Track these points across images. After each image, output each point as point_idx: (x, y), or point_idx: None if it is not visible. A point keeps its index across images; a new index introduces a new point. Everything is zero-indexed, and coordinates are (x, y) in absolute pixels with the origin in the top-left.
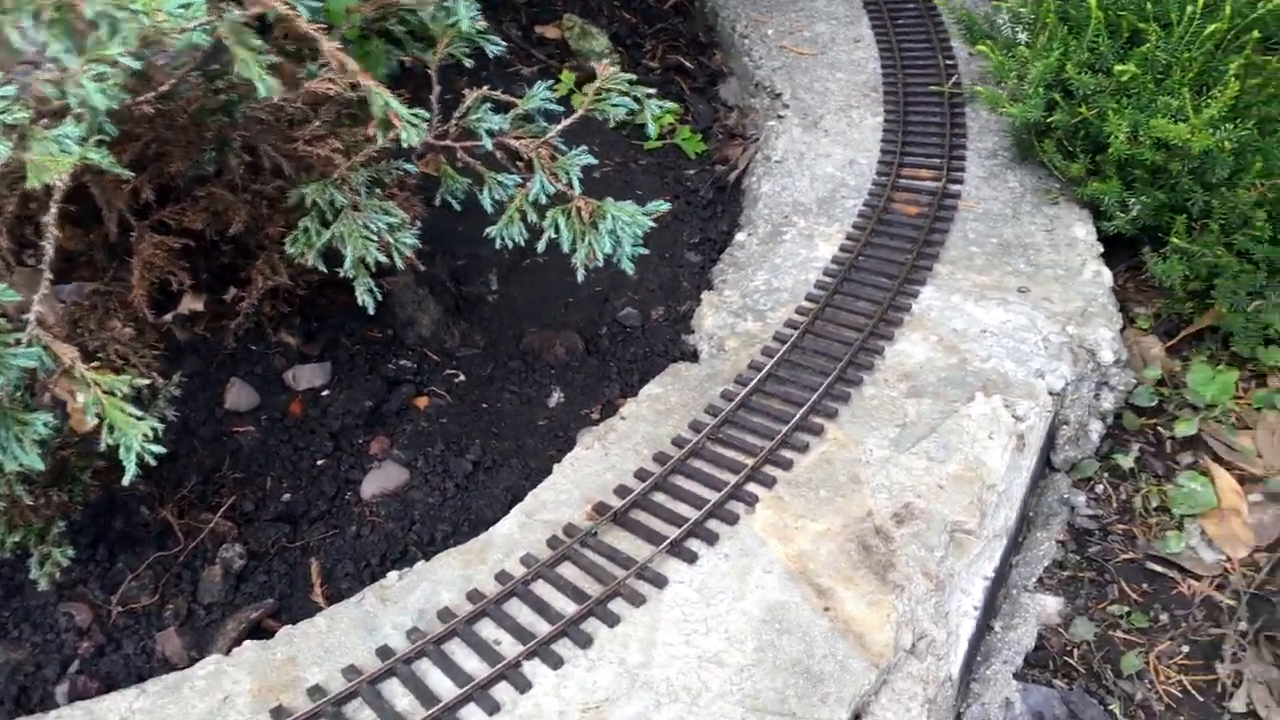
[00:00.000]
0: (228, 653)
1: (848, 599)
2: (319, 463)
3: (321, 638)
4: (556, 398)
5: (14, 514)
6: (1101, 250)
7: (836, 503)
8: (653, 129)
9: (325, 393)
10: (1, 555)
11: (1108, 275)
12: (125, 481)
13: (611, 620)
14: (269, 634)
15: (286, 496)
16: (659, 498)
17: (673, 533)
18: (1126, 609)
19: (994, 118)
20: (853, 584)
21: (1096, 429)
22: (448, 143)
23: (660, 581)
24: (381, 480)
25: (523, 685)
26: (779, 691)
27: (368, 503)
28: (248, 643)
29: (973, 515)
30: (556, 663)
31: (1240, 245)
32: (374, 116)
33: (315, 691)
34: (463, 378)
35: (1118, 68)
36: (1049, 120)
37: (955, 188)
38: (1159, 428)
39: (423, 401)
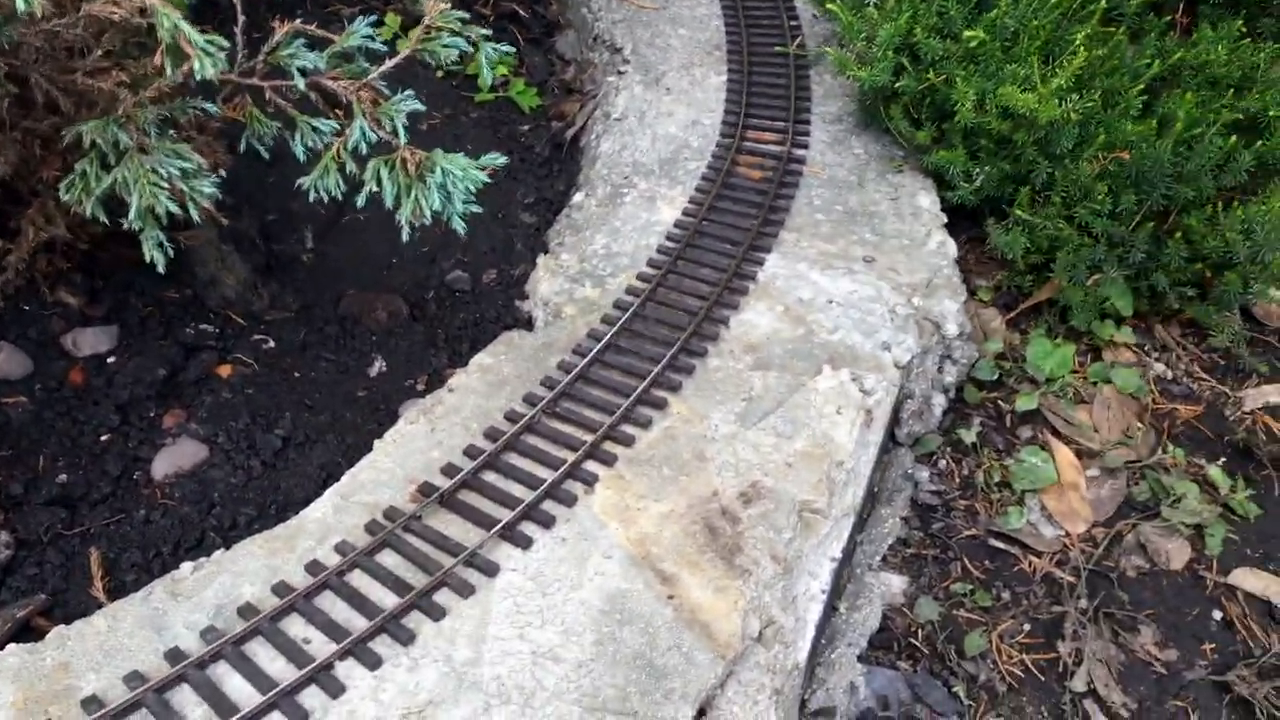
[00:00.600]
0: None
1: (693, 585)
2: (103, 438)
3: (100, 639)
4: (378, 367)
5: None
6: (945, 221)
7: (681, 481)
8: (487, 75)
9: (111, 359)
10: None
11: (952, 246)
12: None
13: (437, 614)
14: (39, 635)
15: (63, 477)
16: (490, 477)
17: (505, 516)
18: (970, 587)
19: (839, 82)
20: (698, 569)
21: (940, 403)
22: (254, 81)
23: (491, 569)
24: (176, 458)
25: (335, 690)
26: (620, 689)
27: (159, 484)
28: (12, 646)
29: (821, 494)
30: (374, 663)
31: (1081, 218)
32: (161, 41)
33: (91, 703)
34: (273, 344)
35: (966, 33)
36: (896, 85)
37: (800, 152)
38: (999, 401)
39: (226, 370)
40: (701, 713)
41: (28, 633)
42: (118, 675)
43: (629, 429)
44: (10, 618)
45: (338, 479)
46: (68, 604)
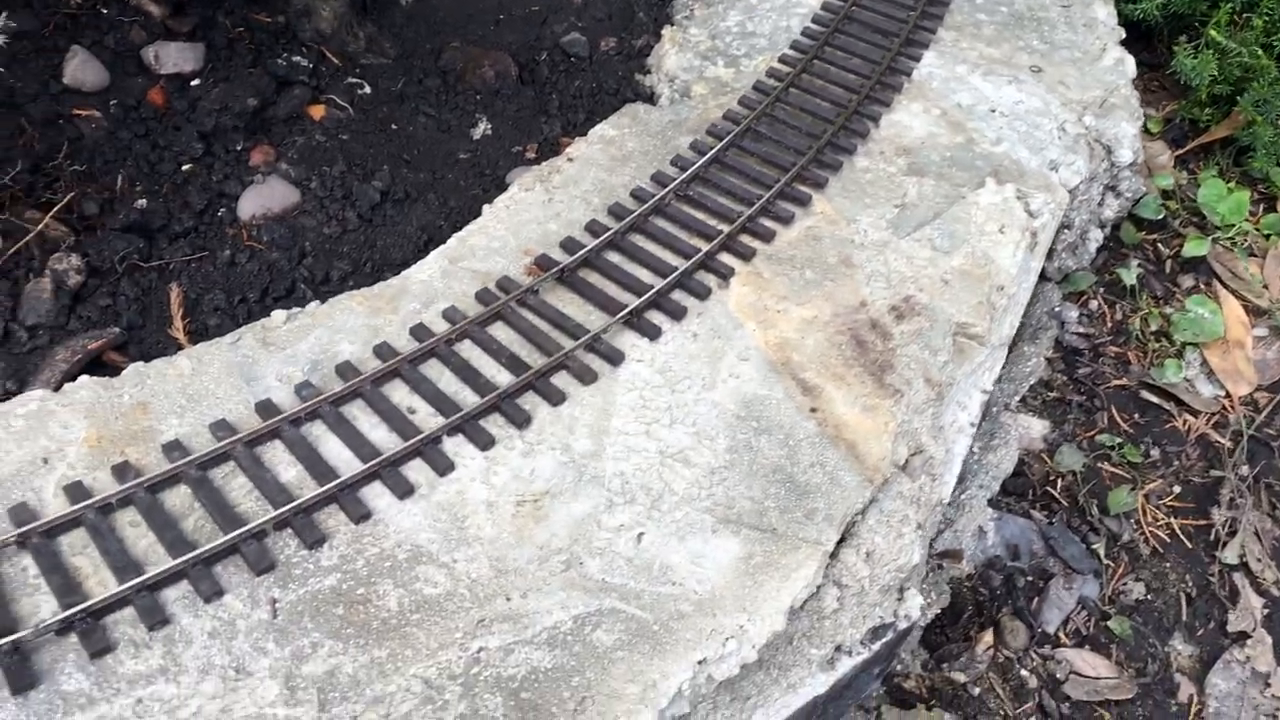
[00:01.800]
0: (57, 388)
1: (838, 400)
2: (184, 167)
3: (184, 382)
4: (483, 129)
5: None
6: (1123, 36)
7: (825, 287)
8: None
9: (196, 82)
10: None
11: (1131, 64)
12: None
13: (555, 398)
14: (113, 371)
15: (142, 203)
16: (614, 258)
17: (631, 301)
18: (1117, 440)
19: None
20: (844, 383)
21: (1095, 238)
22: None
23: (615, 357)
24: (264, 199)
25: (443, 466)
26: (756, 502)
27: (245, 224)
28: (84, 378)
29: (981, 318)
30: (486, 443)
31: None
32: None
33: (173, 449)
34: (368, 90)
35: None
36: None
37: None
38: (1160, 244)
39: (318, 111)
40: (841, 540)
41: (99, 368)
42: (202, 422)
43: (768, 223)
44: (80, 349)
45: (439, 242)
46: (142, 341)
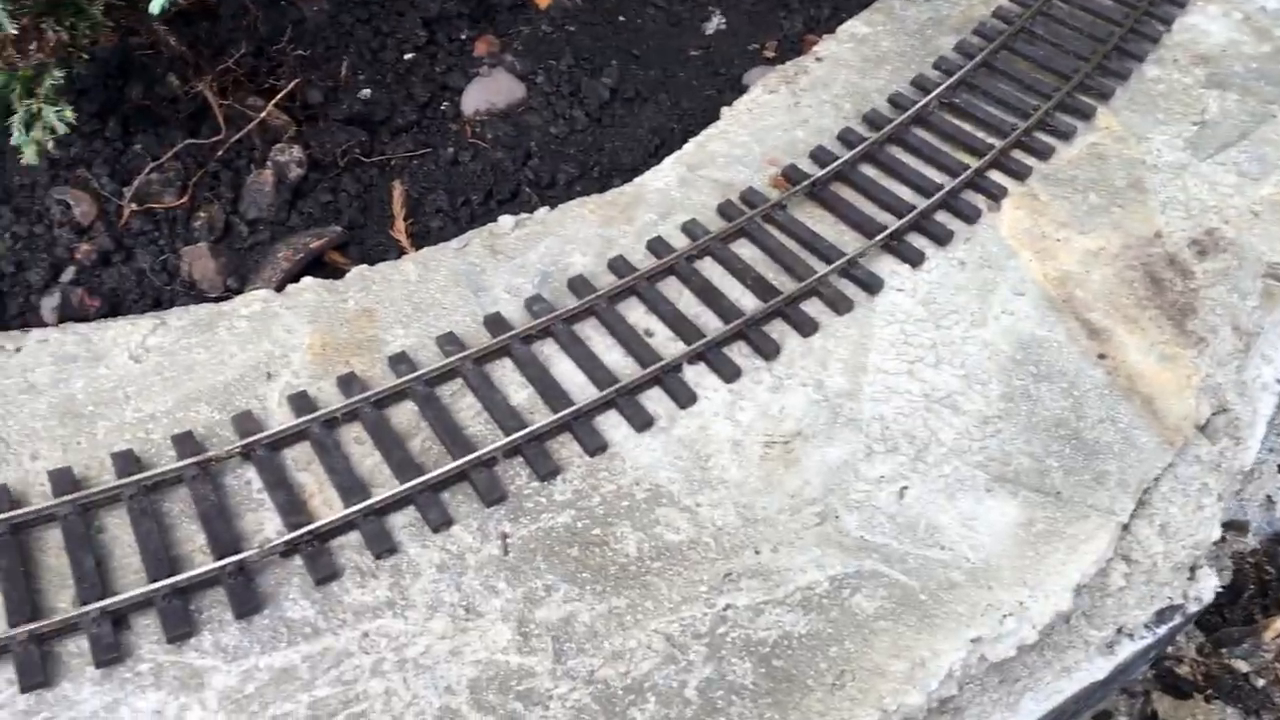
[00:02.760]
0: (279, 288)
1: (1131, 346)
2: (407, 56)
3: (410, 290)
4: (716, 23)
5: None
6: None
7: (1113, 214)
8: None
9: None
10: None
11: None
12: (154, 8)
13: (806, 328)
14: (336, 272)
15: (365, 93)
16: (871, 172)
17: (891, 222)
18: None
19: None
20: (1138, 327)
21: None
22: None
23: (873, 285)
24: (489, 92)
25: (685, 398)
26: (1037, 460)
27: (469, 120)
28: (309, 280)
29: None
30: (732, 374)
31: None
32: None
33: (400, 362)
34: None
35: None
36: None
37: None
38: None
39: (543, 0)
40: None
41: (320, 268)
42: (429, 334)
43: (1045, 138)
44: (303, 247)
45: (671, 147)
46: (363, 242)
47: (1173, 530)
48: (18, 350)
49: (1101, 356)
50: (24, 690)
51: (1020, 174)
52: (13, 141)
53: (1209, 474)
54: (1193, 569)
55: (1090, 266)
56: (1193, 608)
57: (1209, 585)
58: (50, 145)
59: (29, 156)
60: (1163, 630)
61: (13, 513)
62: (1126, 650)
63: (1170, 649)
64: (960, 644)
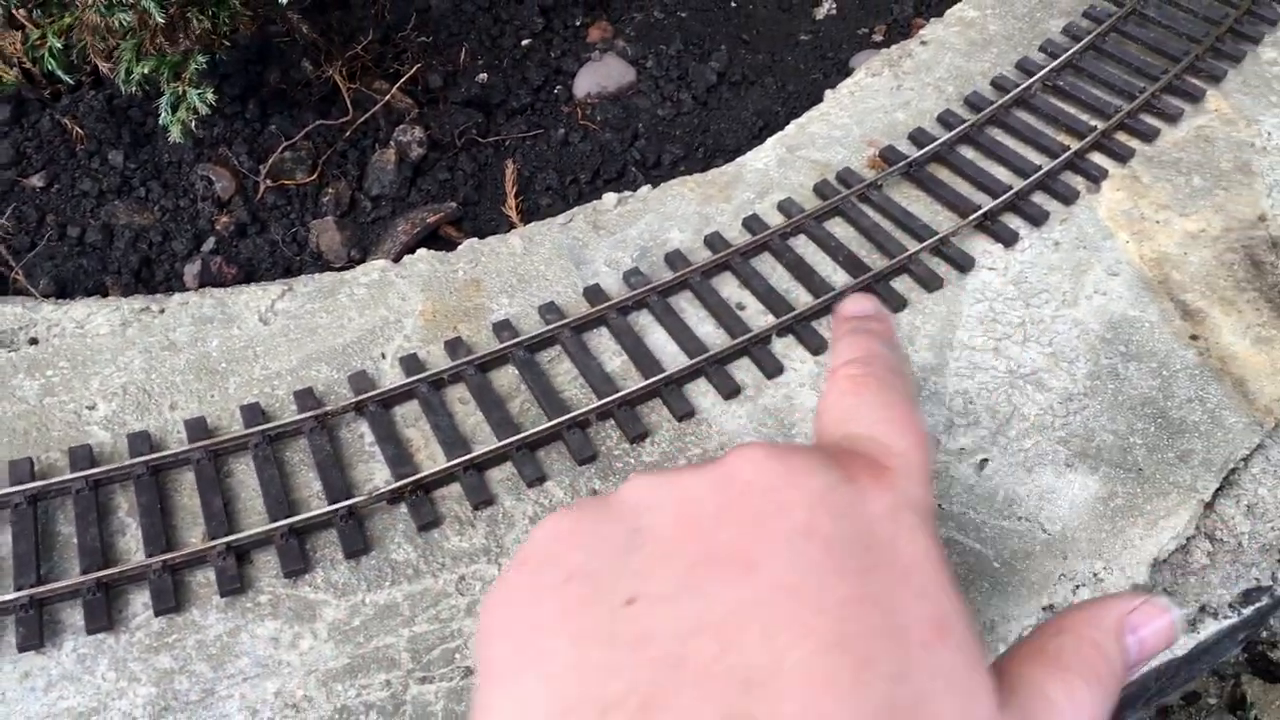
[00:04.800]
0: (396, 259)
1: (1225, 328)
2: (524, 42)
3: (515, 261)
4: (827, 7)
5: (143, 37)
6: None
7: (1216, 197)
8: None
9: None
10: (128, 89)
11: None
12: None
13: (895, 303)
14: (449, 245)
15: (482, 77)
16: (968, 154)
17: (986, 202)
18: None
19: None
20: (1234, 309)
21: None
22: None
23: (964, 264)
24: (600, 76)
25: (771, 368)
26: (1120, 437)
27: (580, 102)
28: (423, 251)
29: None
30: (818, 346)
31: None
32: None
33: (503, 329)
34: None
35: None
36: None
37: None
38: None
39: None
40: (1218, 488)
41: (435, 241)
42: (532, 303)
43: (1151, 120)
44: (420, 221)
45: (775, 129)
46: (476, 218)
47: (1260, 511)
48: (162, 311)
49: (1194, 337)
50: (157, 614)
51: (1122, 156)
52: (160, 122)
53: None
54: None
55: (1189, 249)
56: None
57: None
58: (194, 125)
59: (175, 135)
60: (1249, 611)
61: (151, 455)
62: (1210, 629)
63: (1264, 634)
64: (1031, 610)
